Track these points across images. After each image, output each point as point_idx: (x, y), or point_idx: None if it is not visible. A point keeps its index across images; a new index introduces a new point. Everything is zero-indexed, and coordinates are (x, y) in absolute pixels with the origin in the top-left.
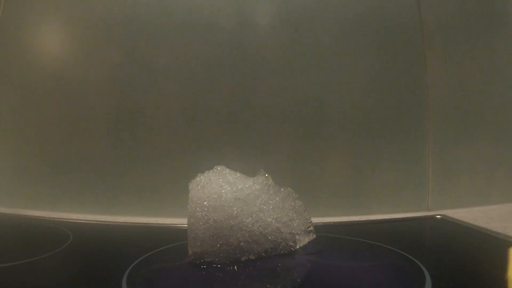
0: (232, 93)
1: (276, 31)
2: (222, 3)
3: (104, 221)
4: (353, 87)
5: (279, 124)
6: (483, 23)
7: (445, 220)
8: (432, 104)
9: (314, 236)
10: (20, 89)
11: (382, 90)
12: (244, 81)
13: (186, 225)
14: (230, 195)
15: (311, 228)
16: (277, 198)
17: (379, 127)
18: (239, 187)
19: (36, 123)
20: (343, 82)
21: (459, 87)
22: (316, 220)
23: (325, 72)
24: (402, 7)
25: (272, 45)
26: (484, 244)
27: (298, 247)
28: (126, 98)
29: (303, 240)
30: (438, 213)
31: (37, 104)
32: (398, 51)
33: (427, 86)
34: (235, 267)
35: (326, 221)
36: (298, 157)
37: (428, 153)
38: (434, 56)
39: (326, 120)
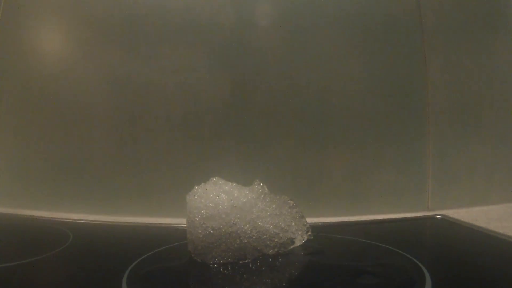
0: (232, 93)
1: (276, 30)
2: (222, 2)
3: (104, 221)
4: (353, 87)
5: (279, 124)
6: (483, 23)
7: (445, 220)
8: (432, 104)
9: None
10: (20, 89)
11: (382, 90)
12: (244, 80)
13: (186, 225)
14: (227, 204)
15: (309, 233)
16: (274, 206)
17: (379, 127)
18: (235, 195)
19: (36, 123)
20: (343, 82)
21: (459, 87)
22: (315, 220)
23: (325, 73)
24: (402, 7)
25: (272, 44)
26: (484, 244)
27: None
28: (126, 98)
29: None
30: (438, 213)
31: (37, 104)
32: (398, 51)
33: (427, 86)
34: (235, 267)
35: (326, 221)
36: (298, 157)
37: (428, 153)
38: (434, 56)
39: (326, 120)
